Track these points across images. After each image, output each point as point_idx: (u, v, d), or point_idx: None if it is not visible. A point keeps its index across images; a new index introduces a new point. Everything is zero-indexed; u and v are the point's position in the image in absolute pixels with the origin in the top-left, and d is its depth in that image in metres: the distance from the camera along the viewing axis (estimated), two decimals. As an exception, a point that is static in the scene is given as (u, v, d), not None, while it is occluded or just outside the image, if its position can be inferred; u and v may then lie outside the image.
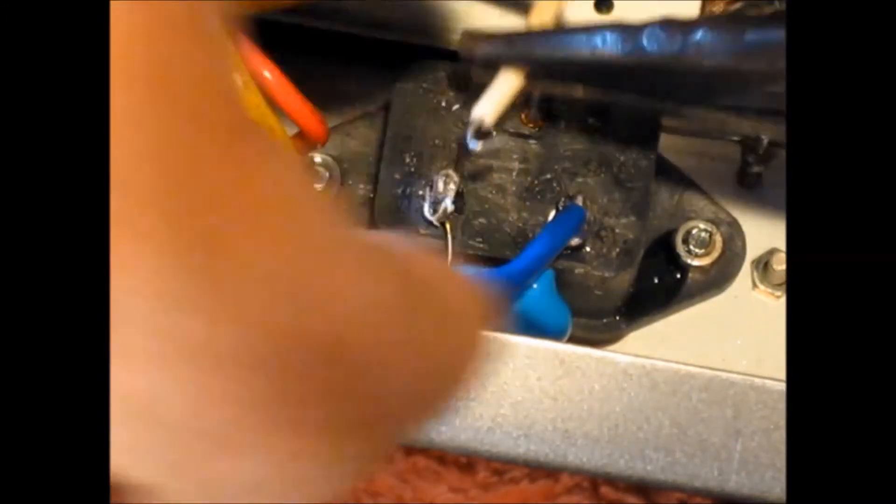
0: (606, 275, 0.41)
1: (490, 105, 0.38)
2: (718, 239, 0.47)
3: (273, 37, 0.43)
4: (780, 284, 0.48)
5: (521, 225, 0.41)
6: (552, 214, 0.40)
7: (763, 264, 0.48)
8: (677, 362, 0.37)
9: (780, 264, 0.47)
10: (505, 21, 0.42)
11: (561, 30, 0.38)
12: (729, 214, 0.48)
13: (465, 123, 0.41)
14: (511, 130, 0.41)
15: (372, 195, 0.41)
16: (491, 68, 0.39)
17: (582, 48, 0.37)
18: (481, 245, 0.40)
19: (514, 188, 0.41)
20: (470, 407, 0.37)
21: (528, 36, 0.38)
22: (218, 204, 0.21)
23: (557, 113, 0.41)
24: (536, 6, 0.39)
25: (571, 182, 0.41)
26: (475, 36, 0.39)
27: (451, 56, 0.40)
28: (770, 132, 0.45)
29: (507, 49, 0.38)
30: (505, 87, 0.38)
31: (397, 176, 0.40)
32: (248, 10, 0.39)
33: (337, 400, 0.23)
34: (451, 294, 0.28)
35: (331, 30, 0.45)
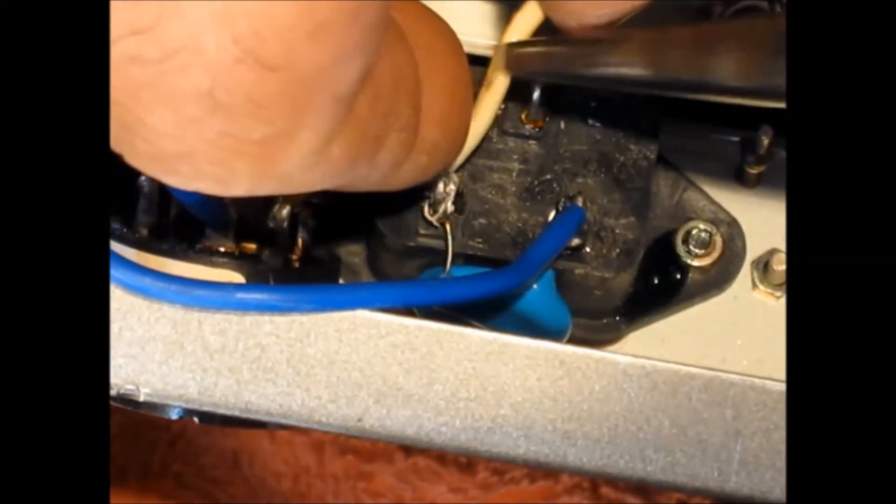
0: (606, 275, 0.41)
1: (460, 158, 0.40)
2: (718, 239, 0.47)
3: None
4: (780, 284, 0.48)
5: (520, 225, 0.41)
6: (552, 215, 0.40)
7: (763, 264, 0.48)
8: (677, 363, 0.37)
9: (780, 264, 0.47)
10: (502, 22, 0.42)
11: (597, 43, 0.37)
12: (729, 214, 0.48)
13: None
14: (511, 130, 0.41)
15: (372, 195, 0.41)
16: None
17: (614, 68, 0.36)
18: (481, 245, 0.40)
19: (514, 188, 0.41)
20: (470, 407, 0.37)
21: (569, 54, 0.37)
22: None
23: (557, 113, 0.41)
24: (514, 21, 0.39)
25: (571, 182, 0.41)
26: (519, 51, 0.38)
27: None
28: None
29: (547, 66, 0.38)
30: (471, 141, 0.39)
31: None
32: None
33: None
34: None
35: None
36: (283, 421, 0.37)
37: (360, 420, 0.36)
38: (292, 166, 0.29)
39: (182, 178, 0.29)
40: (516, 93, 0.41)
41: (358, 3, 0.27)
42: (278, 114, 0.27)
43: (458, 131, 0.37)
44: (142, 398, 0.36)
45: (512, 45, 0.38)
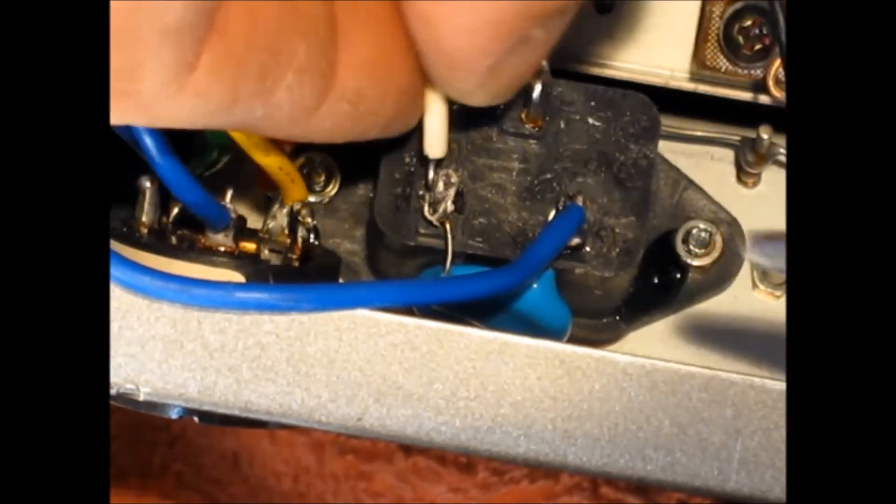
0: (606, 275, 0.41)
1: (434, 139, 0.39)
2: (718, 239, 0.47)
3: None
4: (780, 284, 0.48)
5: (520, 225, 0.41)
6: (552, 214, 0.40)
7: (763, 264, 0.48)
8: (677, 362, 0.37)
9: (780, 264, 0.47)
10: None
11: None
12: (729, 214, 0.48)
13: (465, 122, 0.41)
14: (511, 130, 0.41)
15: (372, 195, 0.41)
16: None
17: None
18: (481, 245, 0.40)
19: (514, 188, 0.41)
20: (470, 406, 0.37)
21: None
22: None
23: (557, 112, 0.41)
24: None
25: (571, 182, 0.41)
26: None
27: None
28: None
29: None
30: (437, 115, 0.39)
31: (397, 176, 0.40)
32: None
33: None
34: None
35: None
36: (283, 420, 0.37)
37: (360, 419, 0.36)
38: (152, 96, 0.30)
39: None
40: (516, 93, 0.41)
41: None
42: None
43: (395, 84, 0.36)
44: (142, 398, 0.37)
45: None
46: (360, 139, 0.37)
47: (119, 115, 0.30)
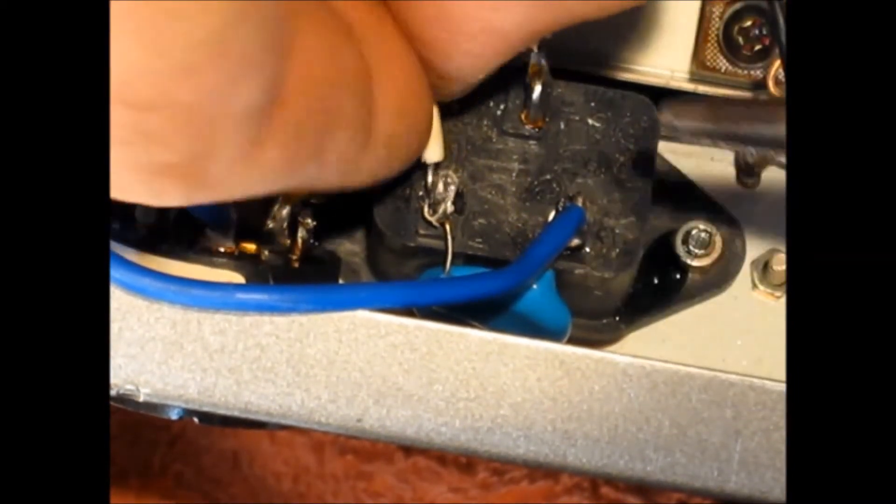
0: (606, 275, 0.41)
1: (432, 144, 0.39)
2: (718, 239, 0.47)
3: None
4: (780, 284, 0.48)
5: (520, 226, 0.41)
6: (552, 215, 0.40)
7: (763, 265, 0.48)
8: (677, 363, 0.37)
9: (780, 264, 0.47)
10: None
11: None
12: (729, 214, 0.48)
13: (465, 123, 0.41)
14: (510, 131, 0.41)
15: (371, 195, 0.41)
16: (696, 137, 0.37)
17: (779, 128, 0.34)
18: (481, 246, 0.40)
19: (513, 189, 0.41)
20: (470, 407, 0.37)
21: (732, 113, 0.36)
22: None
23: (557, 113, 0.41)
24: None
25: (571, 183, 0.41)
26: (678, 107, 0.36)
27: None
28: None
29: (713, 125, 0.36)
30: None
31: (396, 176, 0.40)
32: None
33: None
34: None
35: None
36: (283, 421, 0.37)
37: (359, 420, 0.36)
38: (220, 177, 0.30)
39: (117, 193, 0.30)
40: (516, 93, 0.41)
41: (220, 40, 0.27)
42: (180, 143, 0.28)
43: (420, 120, 0.36)
44: (142, 398, 0.37)
45: (673, 100, 0.37)
46: (389, 178, 0.37)
47: (177, 196, 0.30)
